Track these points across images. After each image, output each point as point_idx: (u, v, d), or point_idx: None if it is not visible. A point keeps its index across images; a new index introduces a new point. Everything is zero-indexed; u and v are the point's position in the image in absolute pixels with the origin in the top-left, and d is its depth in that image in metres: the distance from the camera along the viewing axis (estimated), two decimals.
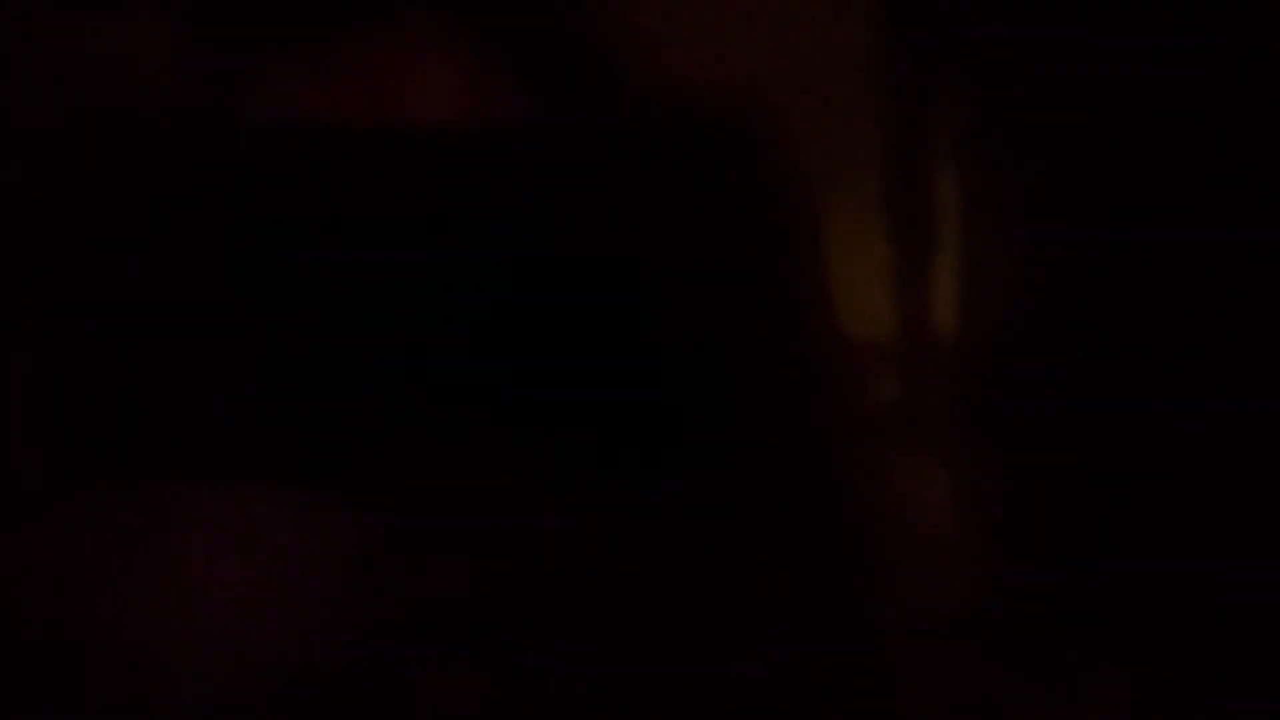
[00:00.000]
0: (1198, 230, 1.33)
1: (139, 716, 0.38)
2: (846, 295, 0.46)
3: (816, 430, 0.43)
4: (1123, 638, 1.26)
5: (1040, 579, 1.37)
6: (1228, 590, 1.29)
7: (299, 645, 0.38)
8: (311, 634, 0.38)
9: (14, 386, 0.38)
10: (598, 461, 0.39)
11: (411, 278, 0.38)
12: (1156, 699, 1.12)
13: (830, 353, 0.45)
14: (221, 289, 0.38)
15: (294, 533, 0.38)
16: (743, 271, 0.40)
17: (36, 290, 0.38)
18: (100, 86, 0.39)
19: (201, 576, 0.38)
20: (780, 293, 0.42)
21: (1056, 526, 1.38)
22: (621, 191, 0.39)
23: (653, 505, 0.39)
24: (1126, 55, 1.36)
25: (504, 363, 0.39)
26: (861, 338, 0.51)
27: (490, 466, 0.38)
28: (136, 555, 0.38)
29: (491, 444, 0.39)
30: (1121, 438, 1.38)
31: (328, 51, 0.40)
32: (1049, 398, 1.41)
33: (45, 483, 0.38)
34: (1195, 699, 1.13)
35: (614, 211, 0.39)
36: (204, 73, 0.39)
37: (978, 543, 1.46)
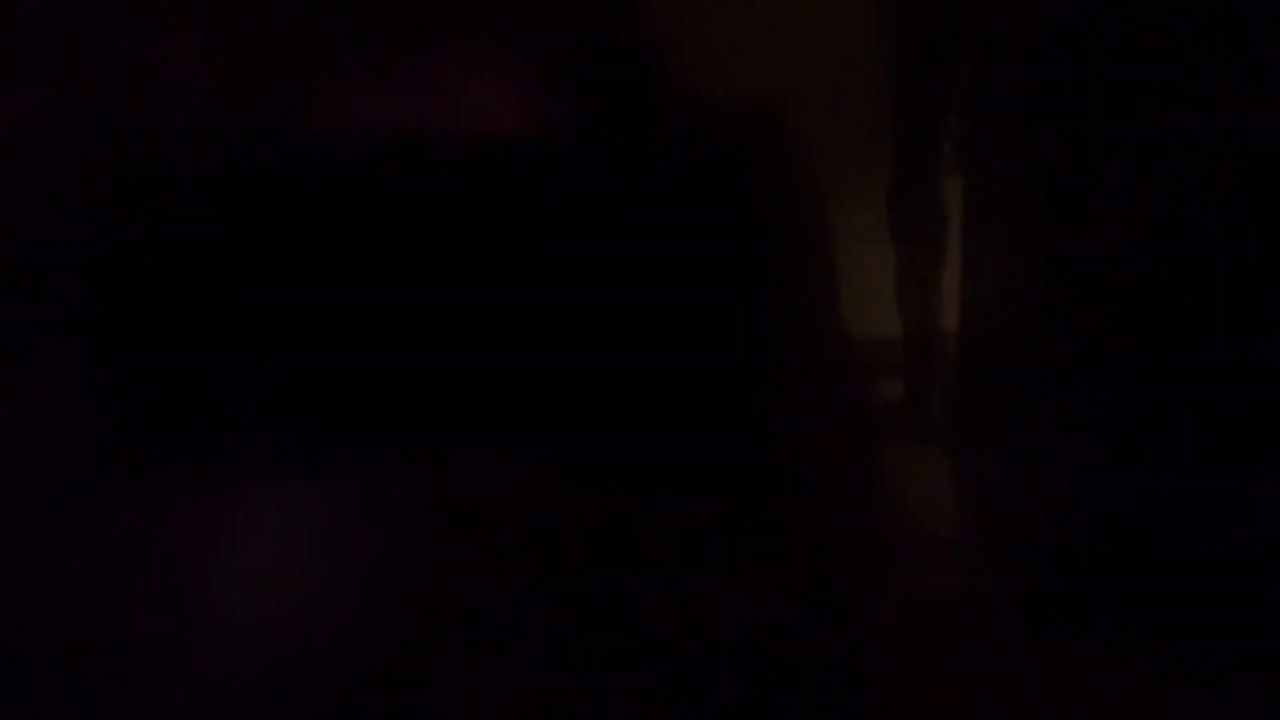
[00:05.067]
0: (1201, 231, 1.32)
1: (167, 710, 0.38)
2: (854, 295, 0.46)
3: (823, 426, 0.43)
4: (1122, 632, 1.26)
5: (1040, 574, 1.37)
6: (1227, 588, 1.29)
7: (330, 641, 0.38)
8: (341, 630, 0.38)
9: (54, 386, 0.38)
10: (613, 458, 0.39)
11: (447, 281, 0.39)
12: (1155, 694, 1.12)
13: (838, 350, 0.45)
14: (265, 294, 0.38)
15: (325, 530, 0.38)
16: (753, 271, 0.40)
17: (80, 292, 0.38)
18: (157, 98, 0.38)
19: (233, 573, 0.38)
20: (790, 292, 0.42)
21: (1057, 522, 1.38)
22: (639, 196, 0.40)
23: (665, 501, 0.40)
24: (1131, 60, 1.35)
25: (525, 363, 0.39)
26: (868, 336, 0.51)
27: (511, 465, 0.39)
28: (171, 553, 0.38)
29: (512, 443, 0.39)
30: (1123, 436, 1.37)
31: (380, 65, 0.41)
32: (1052, 396, 1.41)
33: (79, 481, 0.38)
34: (1194, 695, 1.13)
35: (632, 215, 0.39)
36: (257, 85, 0.39)
37: (980, 537, 1.46)
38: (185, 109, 0.39)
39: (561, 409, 0.39)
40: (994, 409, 1.48)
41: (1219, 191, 1.31)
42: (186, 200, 0.38)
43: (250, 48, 0.39)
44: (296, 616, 0.38)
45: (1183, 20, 1.32)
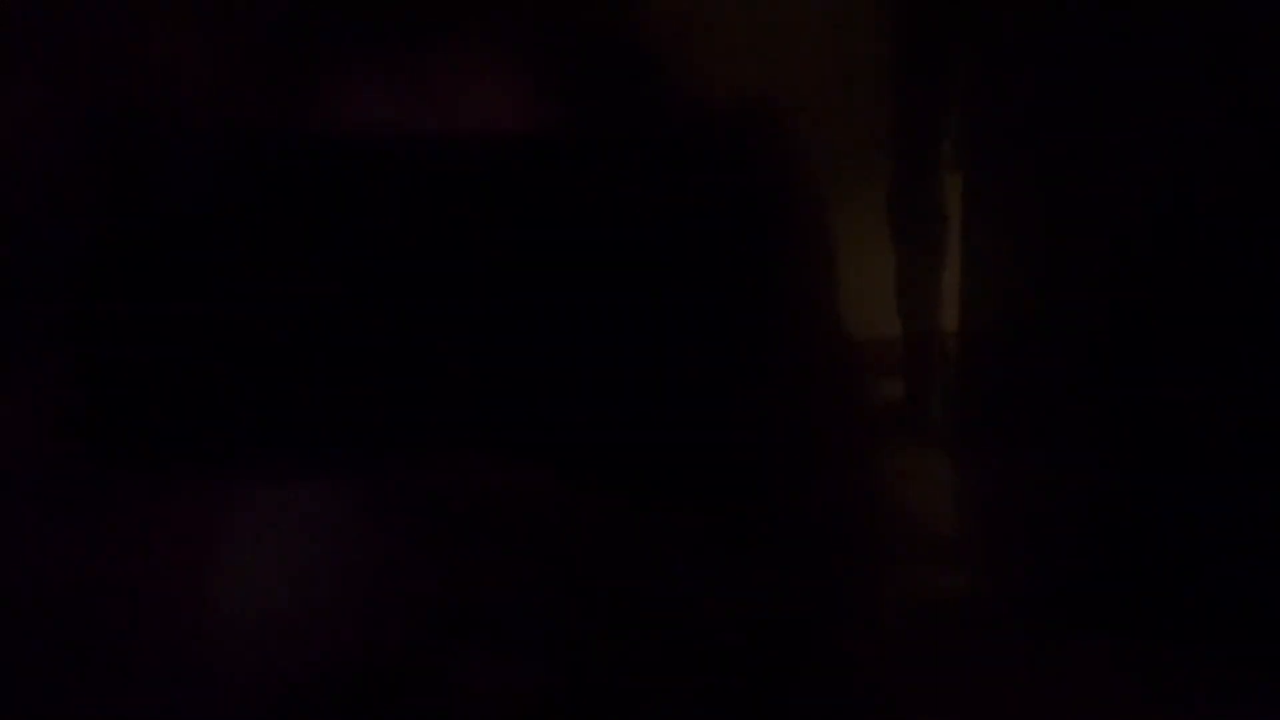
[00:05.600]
0: (1201, 231, 1.32)
1: (167, 711, 0.38)
2: (854, 295, 0.46)
3: (822, 427, 0.43)
4: (1122, 633, 1.26)
5: (1041, 574, 1.37)
6: (1229, 588, 1.29)
7: (330, 641, 0.38)
8: (342, 630, 0.38)
9: (50, 385, 0.38)
10: (613, 458, 0.39)
11: (447, 282, 0.39)
12: (1156, 694, 1.12)
13: (838, 350, 0.45)
14: (265, 294, 0.38)
15: (325, 531, 0.38)
16: (753, 272, 0.40)
17: (80, 292, 0.38)
18: (157, 98, 0.39)
19: (233, 577, 0.38)
20: (789, 292, 0.42)
21: (1058, 523, 1.38)
22: (639, 196, 0.40)
23: (665, 501, 0.40)
24: (1133, 61, 1.35)
25: (526, 362, 0.39)
26: (868, 336, 0.51)
27: (511, 465, 0.39)
28: (170, 554, 0.38)
29: (512, 443, 0.39)
30: (1122, 437, 1.37)
31: (380, 65, 0.41)
32: (1051, 397, 1.41)
33: (77, 481, 0.38)
34: (1196, 696, 1.13)
35: (632, 216, 0.39)
36: (255, 86, 0.39)
37: (980, 537, 1.46)
38: (184, 110, 0.39)
39: (561, 409, 0.39)
40: (994, 409, 1.48)
41: (1221, 193, 1.31)
42: (185, 201, 0.38)
43: (248, 49, 0.40)
44: (296, 617, 0.38)
45: (1184, 21, 1.32)
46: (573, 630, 0.39)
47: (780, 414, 0.42)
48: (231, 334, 0.38)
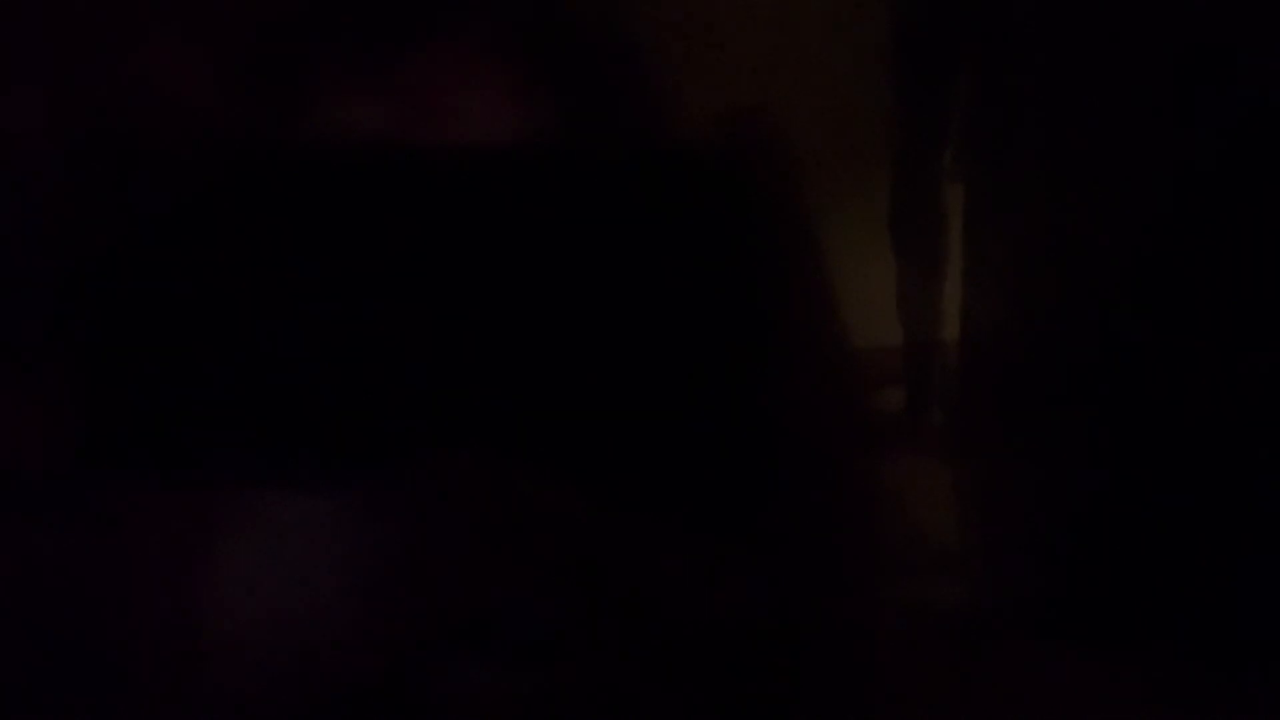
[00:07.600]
0: (1205, 242, 1.32)
1: (168, 715, 0.38)
2: (856, 305, 0.46)
3: (822, 436, 0.43)
4: (1122, 643, 1.26)
5: (1042, 584, 1.37)
6: (1231, 599, 1.29)
7: (332, 650, 0.38)
8: (344, 638, 0.39)
9: (49, 392, 0.39)
10: (612, 466, 0.40)
11: (444, 287, 0.39)
12: (1156, 704, 1.12)
13: (837, 360, 0.45)
14: (259, 299, 0.39)
15: (325, 537, 0.39)
16: (751, 281, 0.41)
17: (74, 297, 0.39)
18: (151, 106, 0.39)
19: (233, 581, 0.39)
20: (786, 302, 0.42)
21: (1058, 533, 1.38)
22: (631, 203, 0.40)
23: (665, 508, 0.40)
24: (1137, 73, 1.35)
25: (528, 367, 0.39)
26: (870, 345, 0.51)
27: (510, 471, 0.39)
28: (169, 560, 0.39)
29: (514, 446, 0.39)
30: (1124, 448, 1.37)
31: (371, 72, 0.41)
32: (1052, 407, 1.41)
33: (75, 487, 0.39)
34: (1197, 706, 1.13)
35: (626, 223, 0.40)
36: (250, 92, 0.40)
37: (981, 547, 1.46)
38: (175, 118, 0.39)
39: (559, 416, 0.40)
40: (995, 419, 1.48)
41: (1226, 203, 1.31)
42: (177, 209, 0.39)
43: (240, 55, 0.40)
44: (295, 621, 0.39)
45: (1188, 30, 1.32)
46: (572, 634, 0.39)
47: (779, 423, 0.42)
48: (229, 340, 0.39)
